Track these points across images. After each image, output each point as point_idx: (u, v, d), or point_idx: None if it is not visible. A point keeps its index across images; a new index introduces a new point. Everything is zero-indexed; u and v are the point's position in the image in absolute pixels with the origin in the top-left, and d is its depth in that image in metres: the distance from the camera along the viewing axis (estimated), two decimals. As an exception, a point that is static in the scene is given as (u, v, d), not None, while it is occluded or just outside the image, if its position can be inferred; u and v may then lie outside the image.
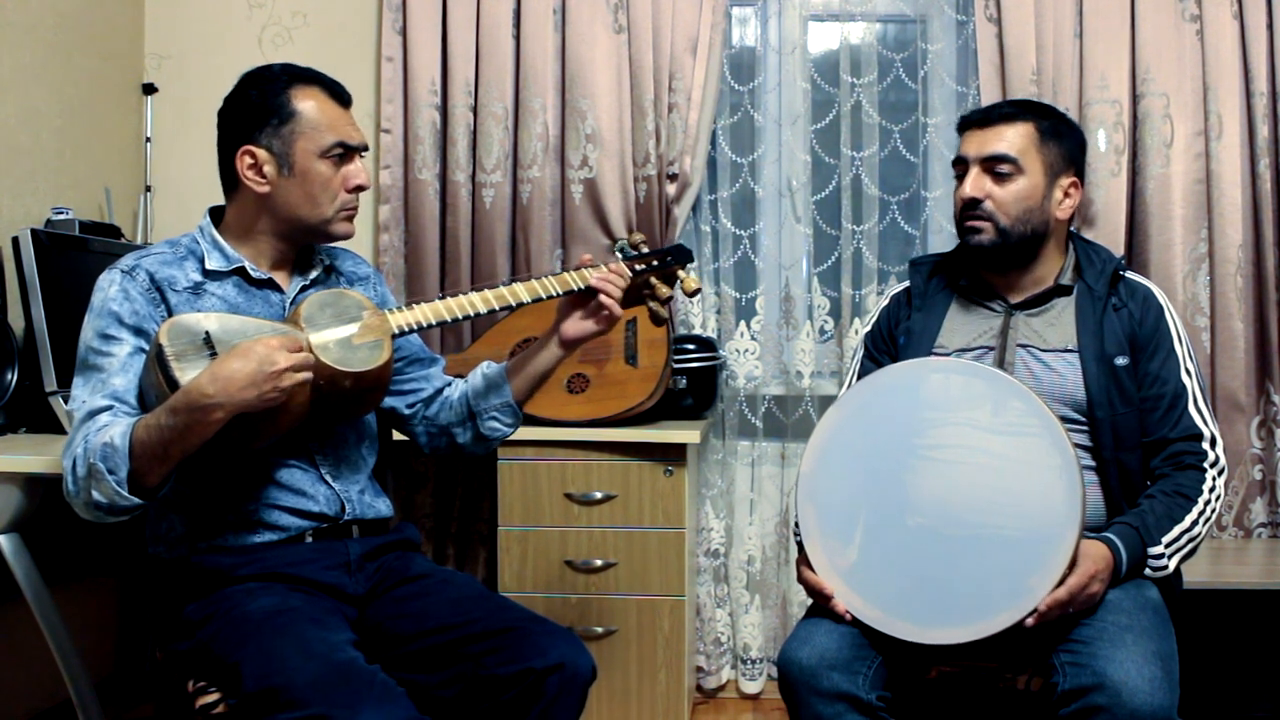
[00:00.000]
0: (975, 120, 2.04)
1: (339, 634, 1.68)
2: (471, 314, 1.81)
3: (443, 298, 1.81)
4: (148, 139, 3.13)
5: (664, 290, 1.91)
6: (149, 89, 3.13)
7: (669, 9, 2.96)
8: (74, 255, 2.49)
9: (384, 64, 3.03)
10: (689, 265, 1.95)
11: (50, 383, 2.32)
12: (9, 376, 2.31)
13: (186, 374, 1.60)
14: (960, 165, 2.04)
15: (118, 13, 3.06)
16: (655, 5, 2.96)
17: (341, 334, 1.71)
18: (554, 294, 1.84)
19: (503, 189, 3.02)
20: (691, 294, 1.90)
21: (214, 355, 1.63)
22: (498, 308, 1.83)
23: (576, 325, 1.88)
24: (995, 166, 1.98)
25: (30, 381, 2.33)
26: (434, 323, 1.80)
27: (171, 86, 3.15)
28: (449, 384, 2.01)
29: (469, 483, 3.07)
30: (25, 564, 2.09)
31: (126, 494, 1.59)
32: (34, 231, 2.36)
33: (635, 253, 1.92)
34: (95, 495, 1.61)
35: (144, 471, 1.60)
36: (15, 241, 2.34)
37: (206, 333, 1.65)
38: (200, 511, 1.79)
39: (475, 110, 3.02)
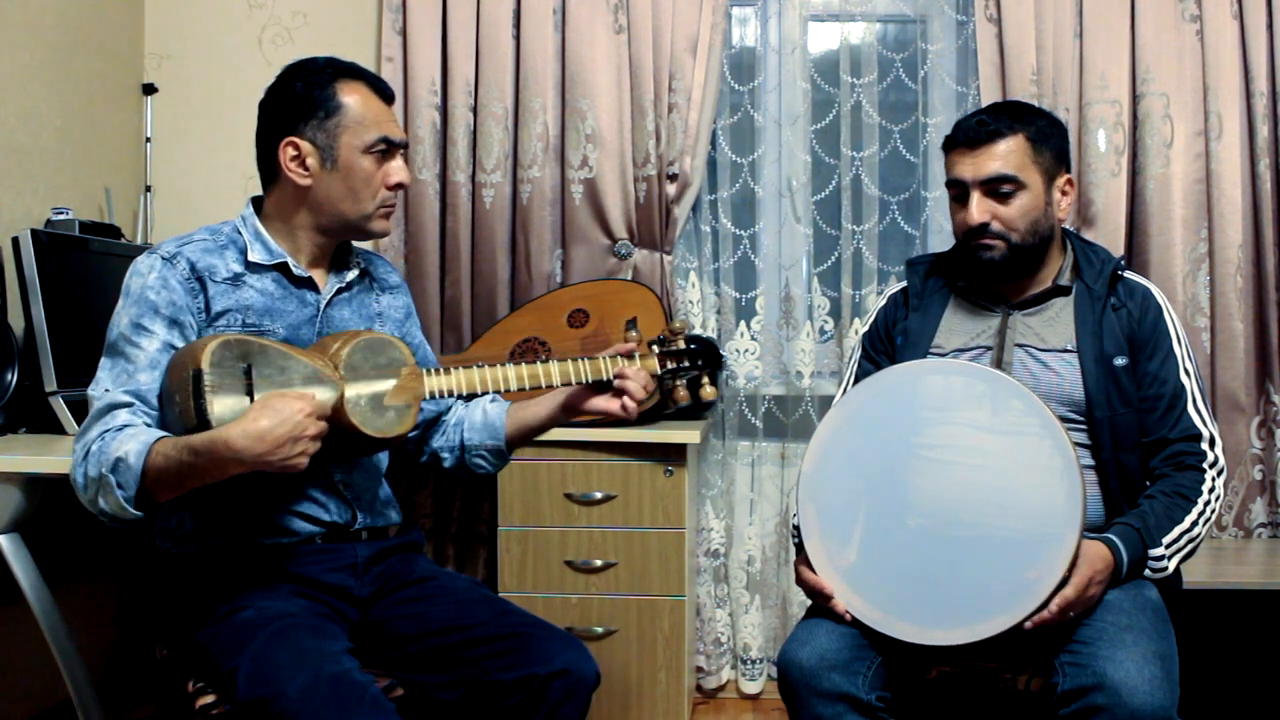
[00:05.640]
0: (964, 140, 1.98)
1: (335, 643, 1.67)
2: (504, 389, 1.81)
3: (480, 366, 1.81)
4: (148, 139, 3.13)
5: (682, 395, 1.91)
6: (149, 89, 3.13)
7: (669, 9, 2.96)
8: (74, 255, 2.49)
9: (384, 64, 3.03)
10: (717, 370, 1.97)
11: (50, 383, 2.32)
12: (9, 376, 2.31)
13: (216, 406, 1.58)
14: (957, 187, 2.00)
15: (118, 13, 3.06)
16: (655, 5, 2.96)
17: (375, 390, 1.71)
18: (584, 380, 1.85)
19: (503, 189, 3.02)
20: (707, 399, 1.91)
21: (249, 389, 1.61)
22: (529, 386, 1.83)
23: (593, 404, 1.88)
24: (997, 188, 1.95)
25: (30, 381, 2.33)
26: (465, 393, 1.79)
27: (171, 86, 3.15)
28: (449, 409, 2.02)
29: (469, 483, 3.07)
30: (25, 564, 2.09)
31: (132, 510, 1.59)
32: (34, 231, 2.36)
33: (669, 346, 1.92)
34: (101, 503, 1.61)
35: (154, 492, 1.60)
36: (15, 241, 2.34)
37: (249, 367, 1.63)
38: (211, 510, 1.79)
39: (475, 110, 3.02)
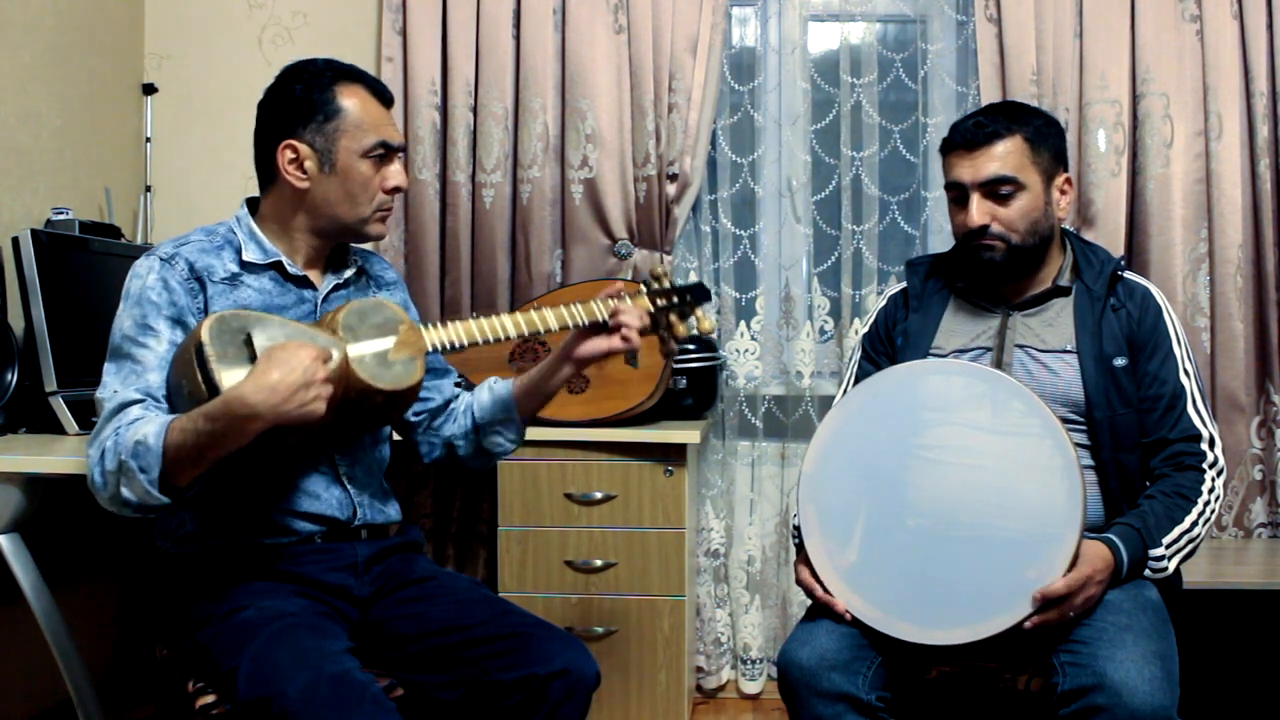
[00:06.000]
0: (961, 142, 1.98)
1: (336, 643, 1.67)
2: (503, 336, 1.82)
3: (475, 317, 1.82)
4: (148, 139, 3.13)
5: (680, 329, 1.91)
6: (149, 89, 3.13)
7: (669, 9, 2.96)
8: (74, 255, 2.49)
9: (384, 64, 3.03)
10: (705, 305, 1.96)
11: (50, 383, 2.32)
12: (9, 376, 2.31)
13: (226, 376, 1.58)
14: (956, 190, 2.00)
15: (118, 13, 3.06)
16: (655, 5, 2.96)
17: (378, 347, 1.71)
18: (580, 324, 1.85)
19: (503, 189, 3.02)
20: (706, 333, 1.91)
21: (253, 358, 1.61)
22: (527, 333, 1.84)
23: (591, 344, 1.87)
24: (996, 189, 1.95)
25: (30, 381, 2.33)
26: (466, 343, 1.80)
27: (171, 86, 3.15)
28: (456, 396, 2.02)
29: (469, 483, 3.07)
30: (25, 564, 2.09)
31: (157, 493, 1.58)
32: (34, 231, 2.36)
33: (658, 286, 1.92)
34: (125, 492, 1.60)
35: (176, 473, 1.59)
36: (15, 241, 2.34)
37: (248, 334, 1.63)
38: (212, 510, 1.79)
39: (475, 110, 3.02)
